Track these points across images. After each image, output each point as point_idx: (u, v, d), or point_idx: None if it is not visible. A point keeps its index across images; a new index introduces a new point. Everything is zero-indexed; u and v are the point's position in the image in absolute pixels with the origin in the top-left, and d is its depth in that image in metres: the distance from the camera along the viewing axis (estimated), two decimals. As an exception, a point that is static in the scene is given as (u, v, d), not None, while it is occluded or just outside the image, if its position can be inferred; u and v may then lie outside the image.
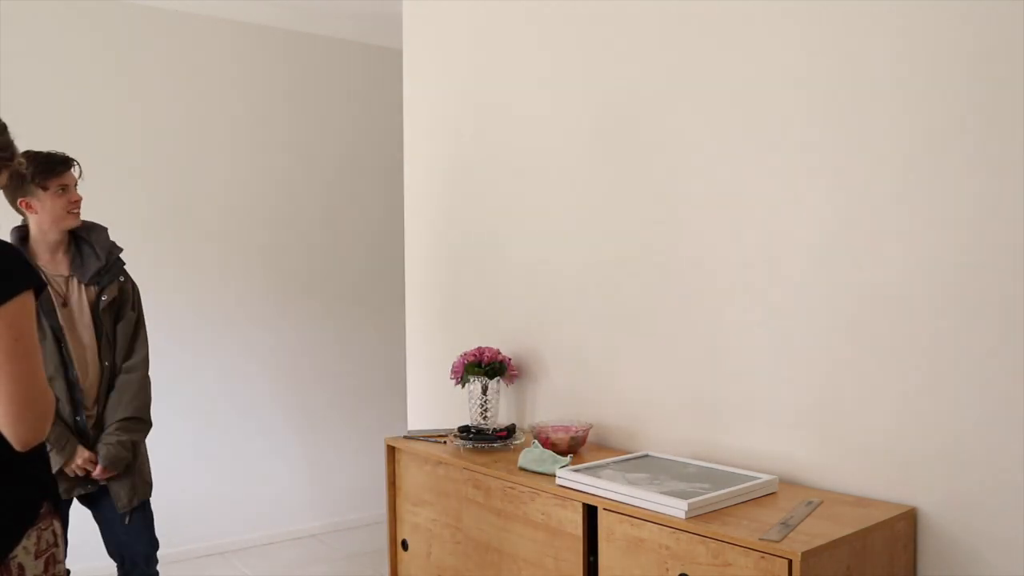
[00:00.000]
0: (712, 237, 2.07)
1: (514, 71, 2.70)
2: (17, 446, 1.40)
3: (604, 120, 2.37)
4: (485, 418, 2.59)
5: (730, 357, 2.03)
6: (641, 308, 2.27)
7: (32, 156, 2.35)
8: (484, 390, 2.58)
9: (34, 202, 2.38)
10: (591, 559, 1.83)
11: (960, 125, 1.60)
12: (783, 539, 1.47)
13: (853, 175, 1.77)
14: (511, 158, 2.72)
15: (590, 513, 1.82)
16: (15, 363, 1.38)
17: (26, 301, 1.42)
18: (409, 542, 2.45)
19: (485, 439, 2.35)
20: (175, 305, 3.99)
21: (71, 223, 2.44)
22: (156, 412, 3.90)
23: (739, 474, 1.86)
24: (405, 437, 2.54)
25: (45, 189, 2.37)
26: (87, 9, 3.75)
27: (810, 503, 1.70)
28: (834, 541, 1.48)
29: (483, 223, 2.86)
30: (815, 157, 1.84)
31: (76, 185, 2.47)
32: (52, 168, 2.39)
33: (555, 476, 1.93)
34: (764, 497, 1.76)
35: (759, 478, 1.80)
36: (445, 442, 2.43)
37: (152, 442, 3.90)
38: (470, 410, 2.61)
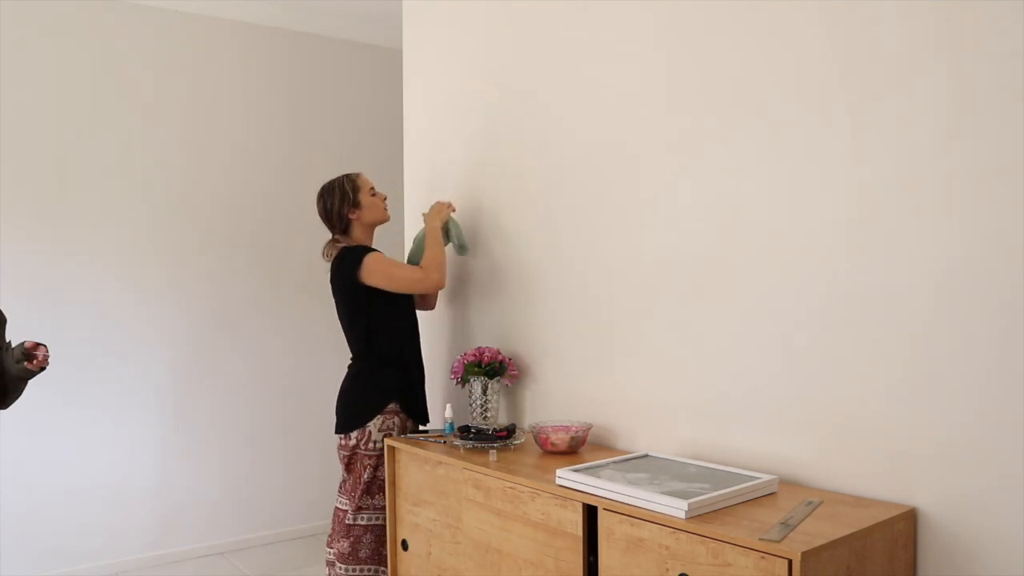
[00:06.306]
0: (711, 237, 2.07)
1: (514, 71, 2.70)
2: None
3: (602, 119, 2.37)
4: (485, 418, 2.59)
5: (730, 357, 2.03)
6: (641, 308, 2.27)
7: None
8: (484, 390, 2.59)
9: None
10: (591, 559, 1.83)
11: (960, 125, 1.60)
12: (783, 539, 1.47)
13: (853, 175, 1.77)
14: (511, 157, 2.72)
15: (590, 513, 1.82)
16: None
17: None
18: (409, 542, 2.44)
19: (485, 439, 2.35)
20: (173, 305, 3.99)
21: None
22: (156, 412, 3.93)
23: (739, 474, 1.86)
24: (405, 437, 2.54)
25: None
26: (86, 9, 3.75)
27: (810, 503, 1.70)
28: (834, 541, 1.48)
29: (483, 223, 2.86)
30: (814, 158, 1.84)
31: None
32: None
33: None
34: (764, 497, 1.76)
35: (759, 478, 1.80)
36: (445, 442, 2.43)
37: (155, 443, 3.92)
38: (470, 410, 2.61)
